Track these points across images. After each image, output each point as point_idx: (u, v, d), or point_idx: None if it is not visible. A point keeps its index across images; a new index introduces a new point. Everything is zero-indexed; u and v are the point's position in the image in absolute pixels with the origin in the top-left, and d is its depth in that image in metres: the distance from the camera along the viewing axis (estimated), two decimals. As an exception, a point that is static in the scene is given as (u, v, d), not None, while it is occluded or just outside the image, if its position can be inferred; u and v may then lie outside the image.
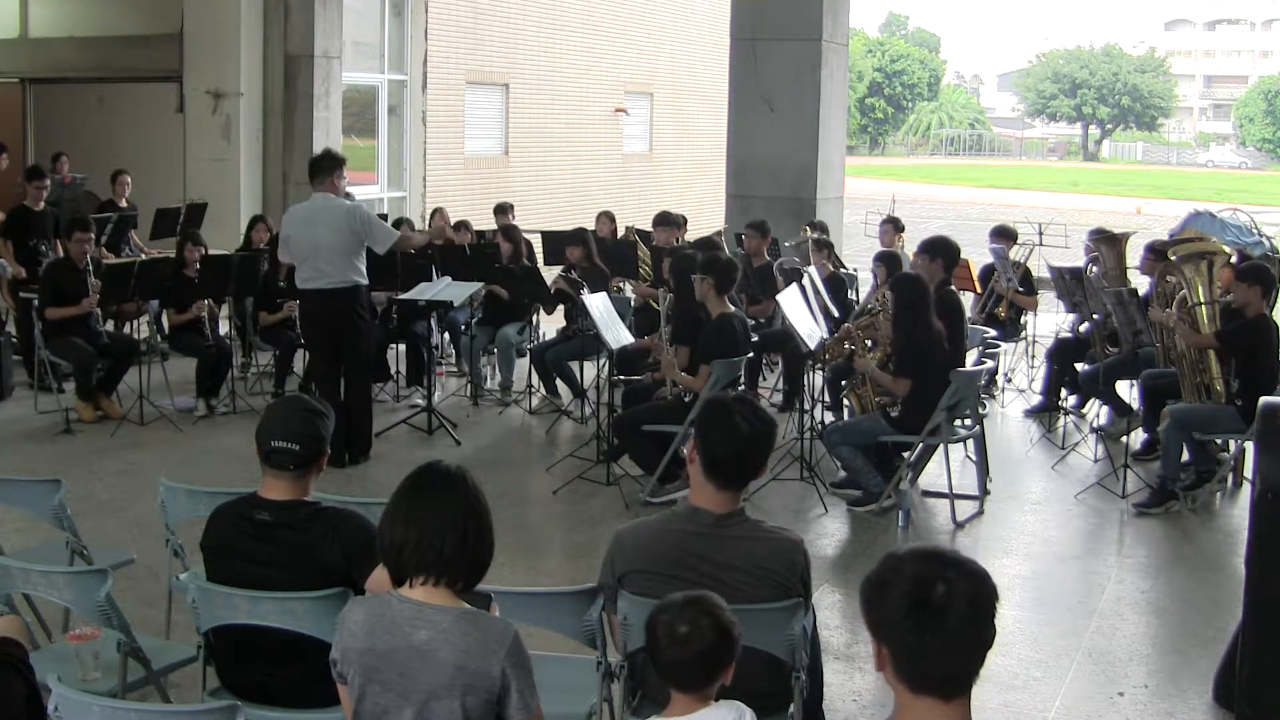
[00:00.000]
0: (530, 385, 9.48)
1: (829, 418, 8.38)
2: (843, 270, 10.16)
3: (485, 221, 11.58)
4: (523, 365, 9.79)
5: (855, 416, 7.60)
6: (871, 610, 2.16)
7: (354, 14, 15.17)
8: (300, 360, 9.75)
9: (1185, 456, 7.34)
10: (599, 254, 9.79)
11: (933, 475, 7.39)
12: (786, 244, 10.27)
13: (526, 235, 10.51)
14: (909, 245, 10.41)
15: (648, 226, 10.53)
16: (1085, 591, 6.05)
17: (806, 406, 7.91)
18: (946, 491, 7.05)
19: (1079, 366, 9.12)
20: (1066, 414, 9.25)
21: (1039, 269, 10.42)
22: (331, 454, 7.81)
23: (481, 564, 2.82)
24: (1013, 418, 9.41)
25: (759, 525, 3.47)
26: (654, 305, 9.21)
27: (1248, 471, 7.16)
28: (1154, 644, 5.55)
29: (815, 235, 10.00)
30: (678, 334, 7.50)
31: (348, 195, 8.01)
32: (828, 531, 6.89)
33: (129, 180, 11.72)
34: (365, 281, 7.82)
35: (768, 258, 9.63)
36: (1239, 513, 7.22)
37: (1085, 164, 69.14)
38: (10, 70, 15.58)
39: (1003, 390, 9.96)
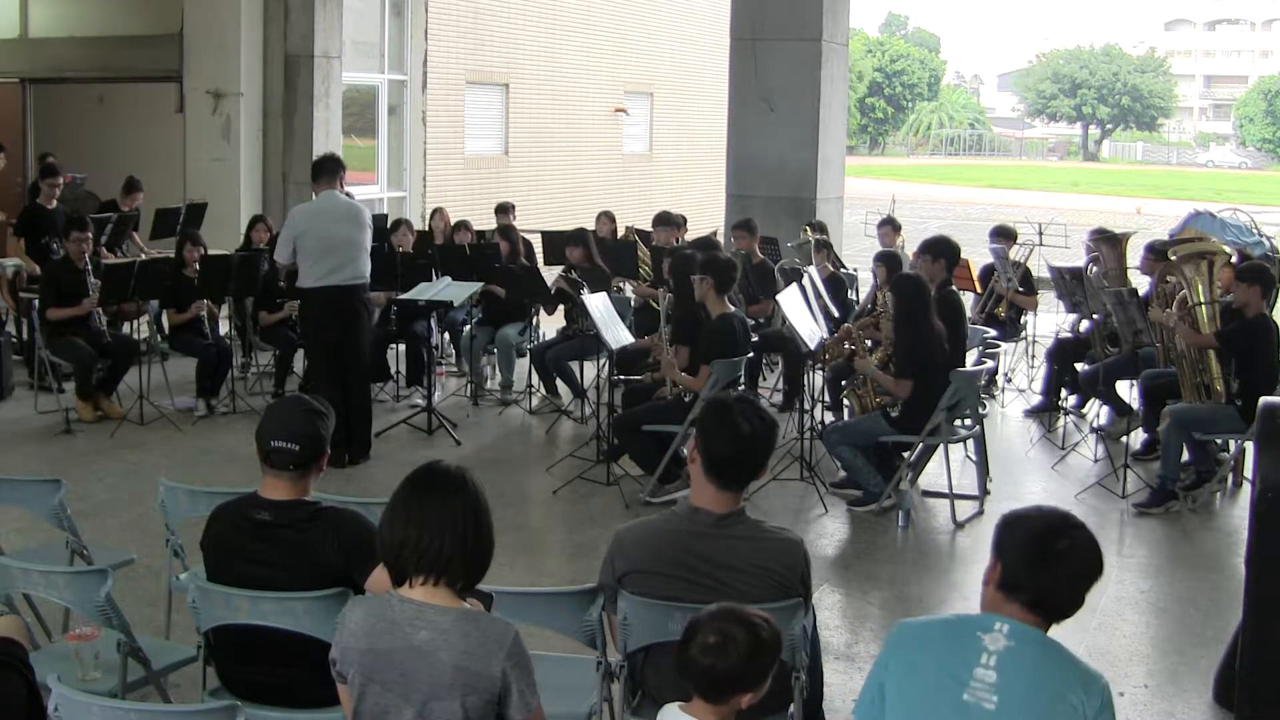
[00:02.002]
0: (530, 385, 9.48)
1: (829, 418, 8.38)
2: (843, 270, 10.16)
3: (485, 221, 11.58)
4: (523, 365, 9.79)
5: (855, 416, 7.60)
6: (1003, 535, 2.77)
7: (354, 14, 15.16)
8: (300, 360, 9.75)
9: (1185, 456, 7.35)
10: (599, 254, 9.79)
11: (933, 475, 7.39)
12: (788, 244, 10.27)
13: (527, 235, 10.51)
14: (908, 245, 10.41)
15: (648, 226, 10.53)
16: (1085, 591, 6.04)
17: (806, 406, 7.91)
18: (946, 491, 7.05)
19: (1079, 366, 9.12)
20: (1066, 414, 9.25)
21: (1039, 269, 10.42)
22: (331, 454, 7.86)
23: (482, 564, 2.82)
24: (1013, 418, 9.41)
25: (759, 525, 3.47)
26: (654, 305, 9.22)
27: (1248, 471, 7.16)
28: (1154, 644, 5.55)
29: (816, 236, 10.00)
30: (678, 334, 7.51)
31: (348, 195, 8.04)
32: (828, 531, 6.89)
33: (141, 196, 11.65)
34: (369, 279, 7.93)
35: (761, 256, 9.64)
36: (1239, 513, 7.22)
37: (1085, 164, 69.13)
38: (10, 70, 15.56)
39: (1003, 390, 9.96)
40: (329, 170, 7.78)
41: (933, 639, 2.80)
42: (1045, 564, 2.70)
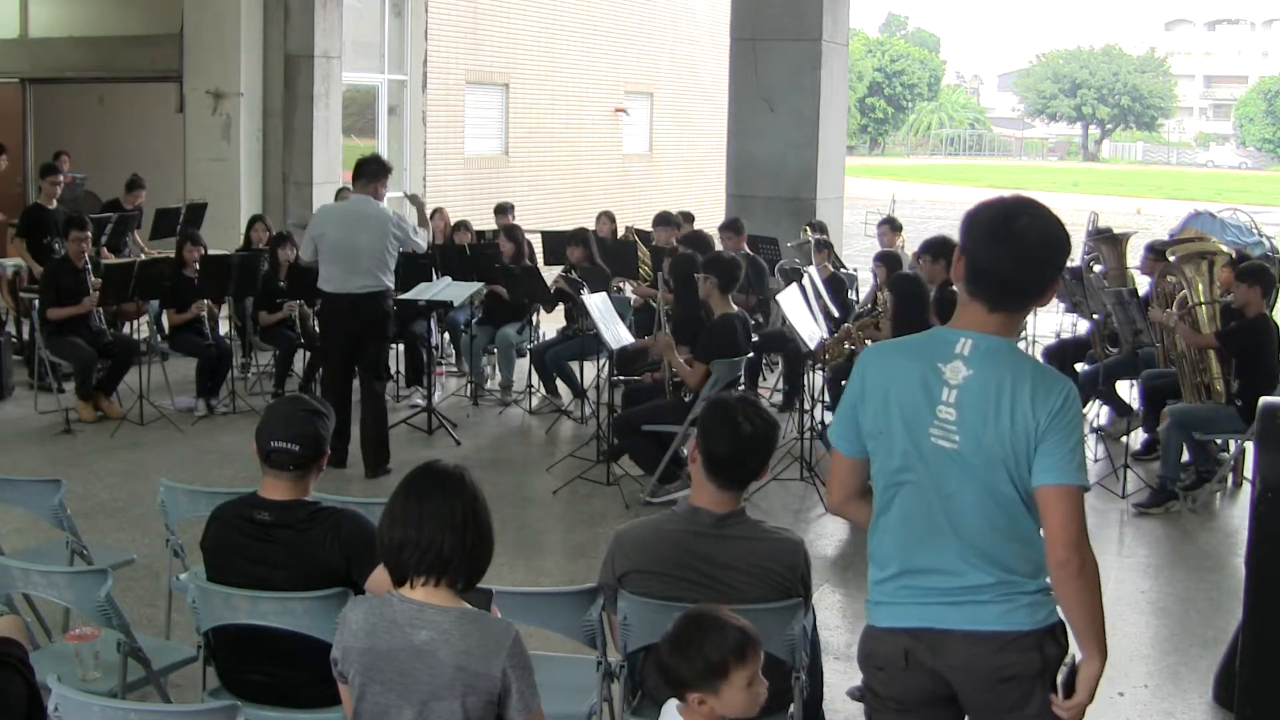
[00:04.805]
0: (530, 385, 9.48)
1: (829, 418, 8.37)
2: (842, 270, 10.16)
3: (485, 221, 11.58)
4: (523, 365, 9.79)
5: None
6: (965, 224, 2.77)
7: (354, 14, 15.16)
8: (300, 360, 9.75)
9: (1185, 456, 7.34)
10: (599, 254, 9.79)
11: (933, 475, 7.37)
12: (788, 244, 10.27)
13: (527, 235, 10.52)
14: (908, 245, 10.41)
15: (648, 226, 10.53)
16: (1085, 591, 6.03)
17: (806, 406, 7.91)
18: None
19: (1079, 367, 9.11)
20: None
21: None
22: (337, 457, 7.73)
23: (481, 563, 2.81)
24: (1013, 418, 9.38)
25: (759, 525, 3.47)
26: (654, 305, 9.22)
27: (1248, 471, 7.16)
28: (1154, 644, 5.55)
29: (816, 236, 10.00)
30: (678, 334, 7.51)
31: (349, 194, 8.00)
32: (828, 531, 6.89)
33: (143, 194, 11.64)
34: (393, 286, 7.77)
35: (753, 254, 9.63)
36: (1239, 513, 7.22)
37: (1085, 164, 69.07)
38: (10, 70, 15.57)
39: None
40: (370, 174, 7.55)
41: (899, 372, 2.81)
42: (1003, 242, 2.70)
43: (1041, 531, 2.75)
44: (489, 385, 9.94)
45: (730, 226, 9.72)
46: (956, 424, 2.72)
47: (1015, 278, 2.73)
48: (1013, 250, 2.70)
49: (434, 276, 9.34)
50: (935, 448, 2.75)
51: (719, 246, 9.07)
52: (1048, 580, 2.77)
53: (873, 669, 2.92)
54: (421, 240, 7.93)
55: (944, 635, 2.77)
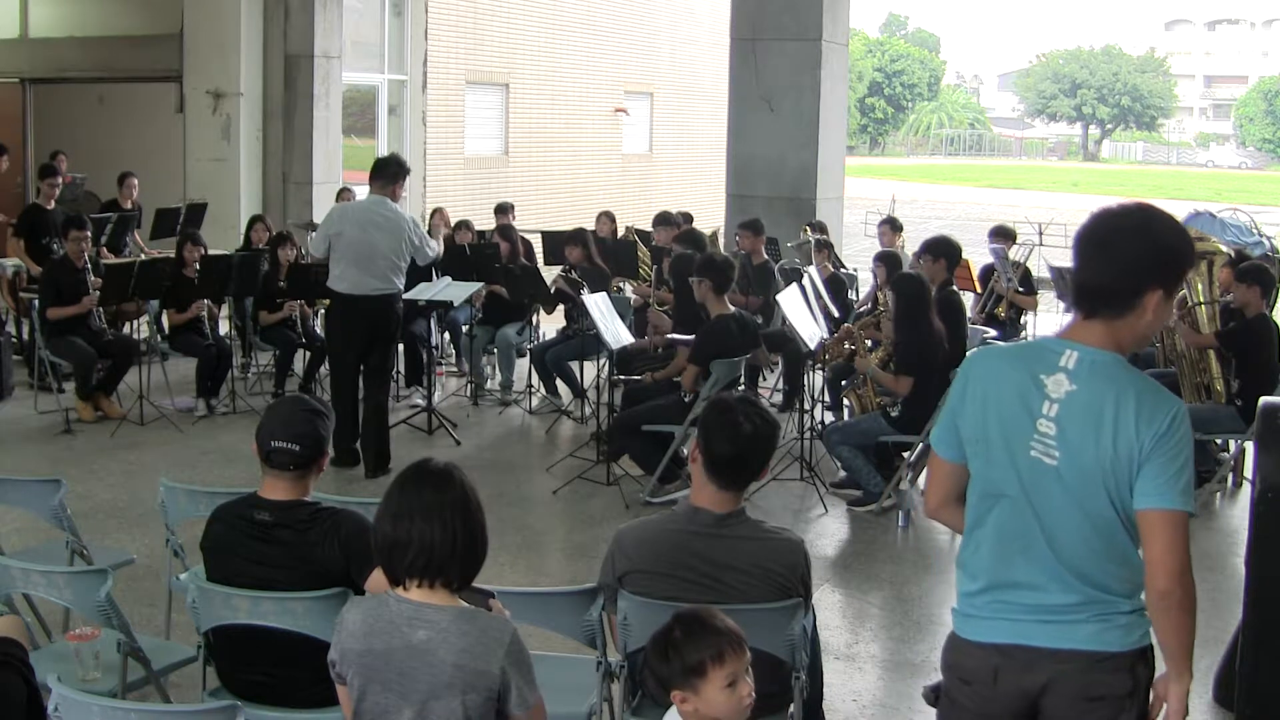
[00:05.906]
0: (530, 385, 9.48)
1: (829, 418, 8.38)
2: (843, 270, 10.16)
3: (485, 221, 11.58)
4: (523, 365, 9.79)
5: (855, 416, 7.60)
6: (1074, 246, 2.80)
7: (354, 14, 15.16)
8: (300, 360, 9.75)
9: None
10: (599, 254, 9.79)
11: (933, 475, 7.37)
12: (789, 244, 10.27)
13: (527, 235, 10.53)
14: (908, 245, 10.41)
15: (648, 226, 10.53)
16: (1085, 591, 6.03)
17: (806, 406, 7.91)
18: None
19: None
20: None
21: (1039, 269, 10.41)
22: (348, 460, 7.75)
23: (475, 561, 2.80)
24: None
25: (759, 525, 3.47)
26: (650, 304, 9.22)
27: (1248, 471, 7.15)
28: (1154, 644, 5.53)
29: (816, 236, 10.00)
30: (679, 334, 7.51)
31: (349, 193, 7.98)
32: (828, 531, 6.89)
33: (135, 184, 11.68)
34: (402, 289, 7.76)
35: (765, 255, 9.63)
36: (1239, 513, 7.21)
37: (1085, 164, 69.07)
38: (10, 70, 15.57)
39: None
40: (389, 174, 7.50)
41: (1000, 379, 2.77)
42: (1095, 247, 2.68)
43: (1140, 553, 2.70)
44: (489, 385, 9.94)
45: (749, 226, 9.64)
46: (1057, 440, 2.67)
47: (1101, 284, 2.68)
48: (1098, 254, 2.68)
49: (434, 276, 9.34)
50: (1034, 462, 2.69)
51: (722, 246, 9.07)
52: (1144, 598, 2.72)
53: (958, 680, 2.87)
54: (432, 250, 7.88)
55: (1035, 653, 2.73)
